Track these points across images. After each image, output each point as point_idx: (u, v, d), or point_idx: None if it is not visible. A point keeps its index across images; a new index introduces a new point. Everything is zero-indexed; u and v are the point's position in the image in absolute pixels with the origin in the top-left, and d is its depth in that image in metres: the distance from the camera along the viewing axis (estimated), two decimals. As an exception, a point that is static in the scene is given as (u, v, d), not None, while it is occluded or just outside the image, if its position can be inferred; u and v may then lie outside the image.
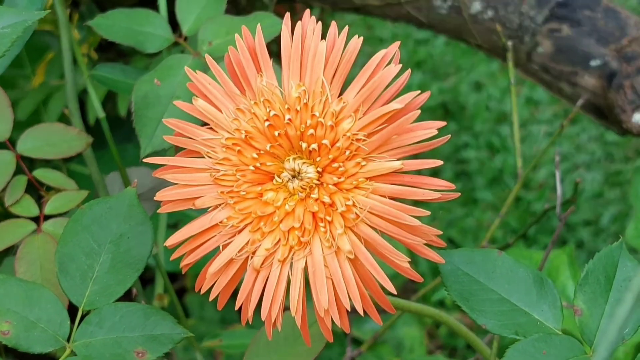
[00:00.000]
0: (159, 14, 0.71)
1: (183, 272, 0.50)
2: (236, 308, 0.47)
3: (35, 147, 0.64)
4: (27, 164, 0.65)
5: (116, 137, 0.74)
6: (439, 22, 1.03)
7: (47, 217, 0.63)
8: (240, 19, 0.66)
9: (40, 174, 0.65)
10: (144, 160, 0.51)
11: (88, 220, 0.56)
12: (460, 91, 2.23)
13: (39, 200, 0.64)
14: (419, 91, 0.45)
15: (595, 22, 0.96)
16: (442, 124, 0.45)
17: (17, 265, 0.60)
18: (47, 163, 0.68)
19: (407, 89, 0.45)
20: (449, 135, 0.46)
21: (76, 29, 0.80)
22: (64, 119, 0.74)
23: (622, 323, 0.28)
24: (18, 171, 0.64)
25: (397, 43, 0.47)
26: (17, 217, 0.63)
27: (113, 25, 0.69)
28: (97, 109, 0.71)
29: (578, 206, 1.88)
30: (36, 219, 0.63)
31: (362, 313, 0.46)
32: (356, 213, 0.45)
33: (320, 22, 0.47)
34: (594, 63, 0.94)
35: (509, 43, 0.91)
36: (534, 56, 0.99)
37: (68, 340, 0.53)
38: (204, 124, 0.50)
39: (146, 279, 0.95)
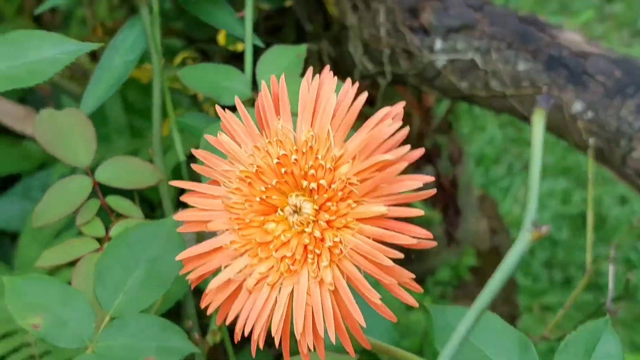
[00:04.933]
0: (243, 73, 0.77)
1: (192, 288, 0.55)
2: (227, 323, 0.52)
3: (111, 177, 0.72)
4: (105, 190, 0.72)
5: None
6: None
7: (111, 240, 0.70)
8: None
9: (112, 200, 0.71)
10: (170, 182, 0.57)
11: (132, 239, 0.63)
12: (603, 203, 2.21)
13: (108, 224, 0.71)
14: (409, 145, 0.49)
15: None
16: (431, 178, 0.49)
17: (73, 276, 0.66)
18: (126, 193, 0.75)
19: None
20: (435, 190, 0.49)
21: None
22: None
23: None
24: (93, 195, 0.71)
25: (402, 103, 0.51)
26: (86, 236, 0.70)
27: (200, 76, 0.76)
28: (178, 152, 0.78)
29: None
30: (101, 240, 0.70)
31: (333, 341, 0.49)
32: (341, 249, 0.49)
33: (335, 77, 0.53)
34: (683, 171, 0.94)
35: (590, 140, 0.93)
36: (628, 160, 1.00)
37: (91, 340, 0.59)
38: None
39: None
